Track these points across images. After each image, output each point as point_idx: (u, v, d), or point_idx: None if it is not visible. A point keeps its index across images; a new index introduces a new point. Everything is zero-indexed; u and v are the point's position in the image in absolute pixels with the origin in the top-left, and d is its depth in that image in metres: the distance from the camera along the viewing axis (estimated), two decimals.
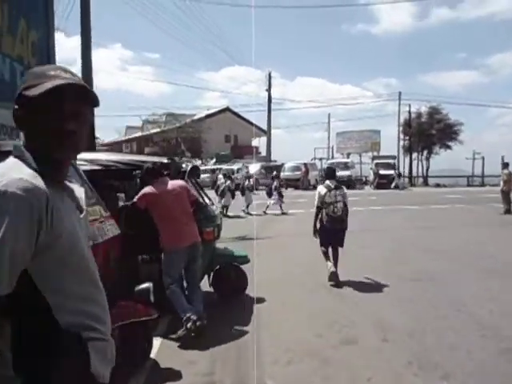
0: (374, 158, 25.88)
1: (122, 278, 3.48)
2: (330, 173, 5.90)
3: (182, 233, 3.98)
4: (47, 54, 11.54)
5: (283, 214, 14.37)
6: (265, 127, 41.24)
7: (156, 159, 4.81)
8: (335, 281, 5.47)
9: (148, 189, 3.96)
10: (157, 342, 3.75)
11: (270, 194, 14.91)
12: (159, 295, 3.67)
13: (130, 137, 51.26)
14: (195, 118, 43.61)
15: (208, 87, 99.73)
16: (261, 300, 5.09)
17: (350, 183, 23.55)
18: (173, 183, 4.10)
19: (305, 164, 25.04)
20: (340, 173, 23.91)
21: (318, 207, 5.47)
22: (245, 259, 5.07)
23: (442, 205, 16.90)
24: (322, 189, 5.53)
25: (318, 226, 5.55)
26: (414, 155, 27.23)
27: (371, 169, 23.87)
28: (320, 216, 5.48)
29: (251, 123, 47.22)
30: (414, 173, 27.35)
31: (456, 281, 5.94)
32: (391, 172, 22.61)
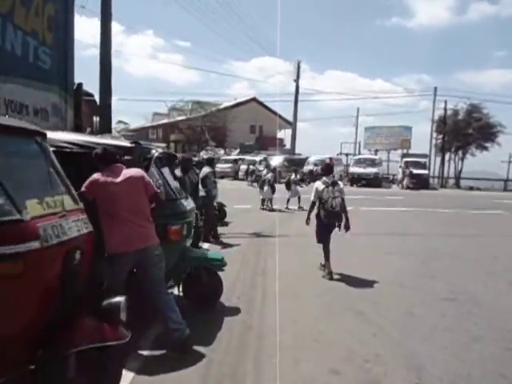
0: (403, 155, 24.38)
1: (87, 289, 2.75)
2: (327, 169, 5.93)
3: (130, 234, 3.23)
4: (65, 29, 11.06)
5: (299, 208, 13.44)
6: (291, 119, 40.47)
7: (118, 142, 4.04)
8: (330, 277, 5.63)
9: (96, 176, 3.24)
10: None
11: (288, 187, 14.10)
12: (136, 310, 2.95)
13: (156, 123, 51.35)
14: (221, 106, 43.11)
15: (237, 77, 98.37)
16: (265, 315, 4.33)
17: (377, 181, 22.32)
18: (127, 172, 3.33)
19: (330, 158, 23.89)
20: (367, 170, 22.84)
21: (313, 202, 5.69)
22: (220, 263, 4.36)
23: (480, 210, 15.50)
24: (319, 185, 5.62)
25: (316, 221, 5.74)
26: (447, 155, 25.73)
27: (400, 167, 22.51)
28: (318, 211, 5.66)
29: (277, 114, 46.33)
30: (445, 174, 25.79)
31: (503, 306, 4.99)
32: (422, 171, 21.25)
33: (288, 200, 13.93)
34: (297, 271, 6.21)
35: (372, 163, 22.60)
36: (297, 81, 27.80)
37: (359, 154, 30.21)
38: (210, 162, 8.28)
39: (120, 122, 61.75)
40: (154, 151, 3.99)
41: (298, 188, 14.48)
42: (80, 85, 12.18)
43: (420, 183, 21.13)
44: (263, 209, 13.72)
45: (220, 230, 9.47)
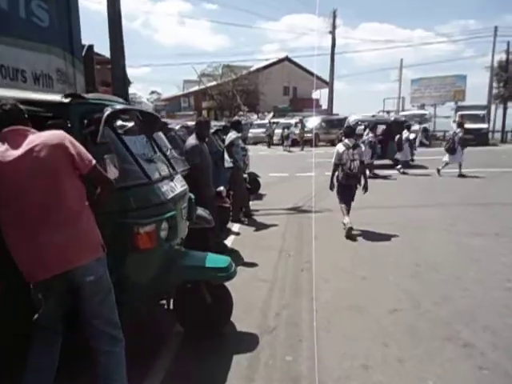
0: (458, 108, 21.40)
1: None
2: (348, 132, 5.93)
3: (40, 251, 1.85)
4: None
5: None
6: (326, 78, 37.42)
7: (41, 96, 2.50)
8: (350, 235, 5.62)
9: None
10: None
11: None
12: None
13: (187, 91, 49.94)
14: (252, 69, 40.78)
15: (267, 39, 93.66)
16: (320, 349, 2.89)
17: (427, 139, 19.83)
18: (33, 140, 1.86)
19: (373, 116, 21.58)
20: (416, 126, 20.32)
21: (335, 164, 5.66)
22: (226, 274, 2.87)
23: None
24: (340, 147, 5.65)
25: (336, 183, 5.75)
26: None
27: (454, 121, 19.76)
28: (337, 173, 5.69)
29: (312, 73, 43.28)
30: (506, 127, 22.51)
31: None
32: (481, 125, 18.46)
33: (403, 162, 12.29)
34: (353, 265, 4.69)
35: (421, 119, 20.01)
36: (333, 32, 24.94)
37: (403, 110, 27.35)
38: (237, 126, 6.74)
39: (153, 92, 61.19)
40: (108, 108, 2.39)
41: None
42: (91, 47, 10.83)
43: (478, 139, 18.47)
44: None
45: (253, 204, 8.06)
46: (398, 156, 12.50)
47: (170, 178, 2.98)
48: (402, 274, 4.23)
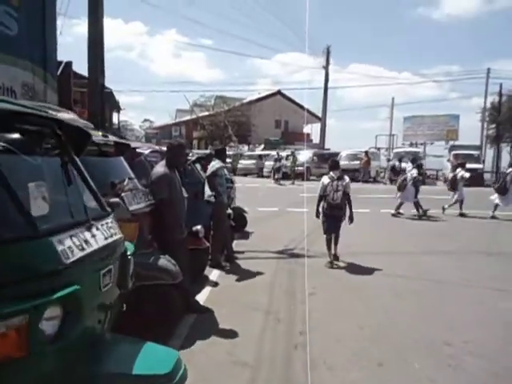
0: (452, 147, 20.92)
1: None
2: (333, 165, 6.02)
3: None
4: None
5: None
6: (317, 113, 37.40)
7: None
8: (332, 264, 5.70)
9: None
10: None
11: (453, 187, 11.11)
12: None
13: (179, 120, 49.60)
14: (245, 101, 40.69)
15: (260, 74, 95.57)
16: None
17: (422, 177, 19.13)
18: None
19: (366, 152, 20.96)
20: (409, 164, 19.69)
21: (320, 195, 5.79)
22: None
23: None
24: (325, 179, 5.77)
25: (321, 214, 5.83)
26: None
27: (448, 160, 19.25)
28: (322, 204, 5.80)
29: (303, 108, 43.32)
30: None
31: None
32: (476, 166, 17.90)
33: (458, 202, 10.74)
34: (363, 341, 3.56)
35: (413, 157, 19.44)
36: (326, 67, 24.81)
37: (395, 147, 26.91)
38: (221, 154, 5.75)
39: (146, 120, 60.93)
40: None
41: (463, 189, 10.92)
42: (69, 64, 9.93)
43: (474, 179, 17.85)
44: (396, 214, 10.54)
45: (238, 244, 6.94)
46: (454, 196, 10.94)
47: (88, 225, 1.86)
48: (432, 361, 3.11)
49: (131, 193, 3.32)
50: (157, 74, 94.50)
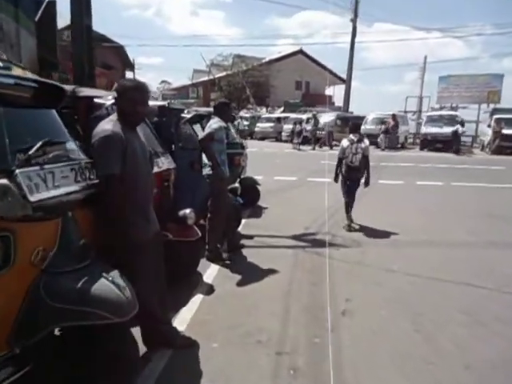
0: (494, 111, 18.47)
1: None
2: (354, 127, 5.86)
3: None
4: None
5: None
6: (340, 75, 34.48)
7: None
8: (350, 227, 5.54)
9: None
10: None
11: None
12: None
13: (196, 81, 47.42)
14: (264, 61, 38.09)
15: (280, 35, 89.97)
16: None
17: (457, 144, 17.02)
18: None
19: (393, 115, 18.73)
20: (444, 129, 17.53)
21: (339, 158, 5.62)
22: None
23: None
24: (345, 142, 5.59)
25: (340, 178, 5.66)
26: None
27: (489, 126, 16.99)
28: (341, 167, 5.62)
29: (326, 68, 40.40)
30: None
31: None
32: None
33: None
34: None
35: (451, 121, 17.18)
36: (354, 20, 22.01)
37: (421, 110, 24.25)
38: (221, 110, 4.13)
39: (163, 81, 59.01)
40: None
41: None
42: (52, 3, 8.23)
43: None
44: None
45: (247, 226, 5.54)
46: None
47: None
48: None
49: (41, 169, 1.86)
50: (174, 33, 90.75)
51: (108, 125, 2.21)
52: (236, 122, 22.69)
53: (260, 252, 4.57)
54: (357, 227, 5.62)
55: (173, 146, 4.55)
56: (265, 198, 7.09)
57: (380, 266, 4.16)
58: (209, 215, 4.15)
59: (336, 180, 5.71)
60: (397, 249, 4.78)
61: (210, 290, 3.52)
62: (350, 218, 5.63)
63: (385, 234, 5.37)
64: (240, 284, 3.64)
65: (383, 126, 18.17)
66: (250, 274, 3.88)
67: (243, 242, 4.84)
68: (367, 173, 5.57)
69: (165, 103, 4.54)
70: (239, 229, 5.29)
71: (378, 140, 18.14)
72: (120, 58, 28.42)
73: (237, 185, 5.11)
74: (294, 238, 5.13)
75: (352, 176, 5.52)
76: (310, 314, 3.10)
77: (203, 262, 4.12)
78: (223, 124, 4.07)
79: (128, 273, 2.14)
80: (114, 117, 2.29)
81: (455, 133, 16.52)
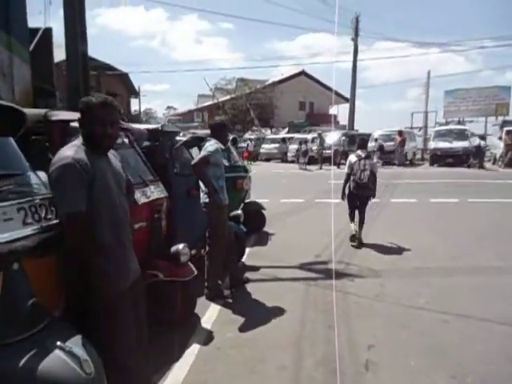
0: (504, 123, 17.94)
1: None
2: (361, 143, 5.79)
3: None
4: None
5: None
6: (343, 94, 34.38)
7: None
8: (355, 242, 5.49)
9: None
10: None
11: None
12: None
13: (201, 106, 47.91)
14: (267, 83, 38.32)
15: (283, 57, 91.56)
16: None
17: (467, 159, 16.47)
18: None
19: (400, 132, 18.31)
20: (454, 144, 17.03)
21: (347, 174, 5.54)
22: None
23: None
24: (352, 157, 5.57)
25: (347, 192, 5.58)
26: None
27: (500, 138, 16.44)
28: (348, 183, 5.55)
29: (329, 88, 40.45)
30: None
31: None
32: None
33: None
34: None
35: (460, 135, 16.68)
36: (355, 39, 21.99)
37: (427, 126, 23.71)
38: (218, 132, 3.71)
39: (169, 107, 60.08)
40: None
41: None
42: (48, 30, 8.09)
43: None
44: None
45: (252, 254, 5.06)
46: None
47: None
48: None
49: None
50: (178, 61, 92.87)
51: (69, 151, 1.78)
52: (246, 143, 22.62)
53: (266, 286, 4.06)
54: (364, 242, 5.50)
55: (168, 173, 4.16)
56: (271, 222, 6.62)
57: (404, 301, 3.63)
58: (207, 248, 3.68)
59: (343, 197, 5.66)
60: (420, 278, 4.24)
61: (208, 337, 3.02)
62: (354, 226, 5.60)
63: (404, 261, 4.85)
64: (243, 329, 3.13)
65: (377, 144, 17.75)
66: (255, 315, 3.37)
67: (248, 275, 4.35)
68: (374, 188, 5.51)
69: (158, 126, 4.16)
70: (243, 259, 4.81)
71: (391, 156, 17.78)
72: (125, 86, 28.70)
73: (239, 211, 4.66)
74: (304, 268, 4.62)
75: (360, 193, 5.43)
76: (326, 368, 2.57)
77: (202, 301, 3.63)
78: (220, 146, 3.65)
79: (101, 334, 1.68)
80: (77, 141, 1.87)
81: (478, 147, 15.97)
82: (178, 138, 4.40)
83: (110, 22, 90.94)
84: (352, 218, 5.68)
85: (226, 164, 6.20)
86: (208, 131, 4.16)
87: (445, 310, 3.42)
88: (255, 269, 4.57)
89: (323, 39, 68.30)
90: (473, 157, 16.02)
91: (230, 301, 3.67)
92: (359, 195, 5.45)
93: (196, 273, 3.11)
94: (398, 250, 5.26)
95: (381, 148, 17.35)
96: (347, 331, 3.05)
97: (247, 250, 5.30)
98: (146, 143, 4.25)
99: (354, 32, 22.22)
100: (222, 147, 3.67)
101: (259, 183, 11.16)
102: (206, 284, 3.69)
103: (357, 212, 5.61)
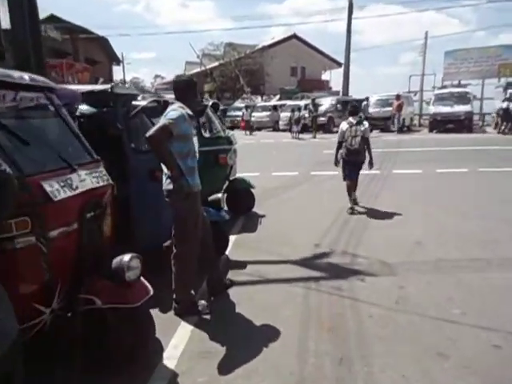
0: (508, 85, 16.75)
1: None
2: (353, 110, 5.72)
3: None
4: None
5: None
6: (336, 58, 32.66)
7: None
8: (353, 210, 5.40)
9: None
10: None
11: None
12: None
13: (188, 73, 45.74)
14: (257, 47, 36.30)
15: (273, 22, 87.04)
16: None
17: (470, 124, 15.45)
18: None
19: (397, 96, 17.08)
20: (455, 108, 15.94)
21: (339, 142, 5.52)
22: None
23: None
24: (344, 125, 5.50)
25: (340, 158, 5.52)
26: None
27: (504, 100, 15.36)
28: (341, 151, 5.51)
29: (322, 52, 38.61)
30: None
31: None
32: None
33: None
34: None
35: (462, 99, 15.54)
36: None
37: (439, 87, 21.97)
38: (185, 92, 2.63)
39: (157, 76, 57.68)
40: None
41: None
42: None
43: None
44: None
45: (238, 243, 4.16)
46: None
47: None
48: None
49: None
50: (163, 28, 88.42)
51: None
52: (243, 111, 21.24)
53: (255, 292, 3.17)
54: (361, 210, 5.43)
55: (123, 148, 3.15)
56: (261, 201, 5.70)
57: (433, 312, 2.76)
58: (173, 250, 2.74)
59: (336, 164, 5.59)
60: (447, 275, 3.37)
61: (171, 382, 2.13)
62: (353, 201, 5.48)
63: (422, 250, 3.97)
64: (222, 369, 2.24)
65: (391, 109, 16.57)
66: (240, 342, 2.49)
67: (232, 274, 3.46)
68: (369, 154, 5.41)
69: (107, 87, 3.09)
70: (227, 252, 3.90)
71: (388, 122, 16.71)
72: (105, 53, 26.78)
73: (219, 195, 3.69)
74: (302, 263, 3.72)
75: (352, 159, 5.35)
76: None
77: (169, 318, 2.74)
78: (187, 111, 2.62)
79: None
80: None
81: (506, 110, 14.60)
82: (135, 103, 3.34)
83: None
84: (350, 192, 5.50)
85: (207, 135, 5.20)
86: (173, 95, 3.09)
87: (489, 324, 2.57)
88: (241, 265, 3.67)
89: (314, 1, 64.83)
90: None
91: (207, 317, 2.78)
92: (352, 161, 5.38)
93: (151, 293, 2.17)
94: (412, 235, 4.38)
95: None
96: (365, 367, 2.18)
97: (233, 237, 4.41)
98: (92, 110, 3.21)
99: None
100: (190, 113, 2.63)
101: (249, 155, 10.14)
102: (173, 296, 2.78)
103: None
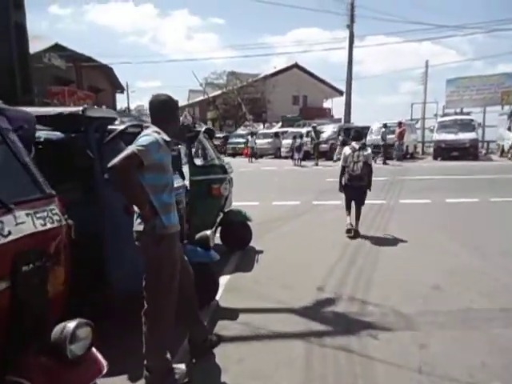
0: None
1: None
2: (356, 135, 5.71)
3: None
4: None
5: None
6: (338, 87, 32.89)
7: None
8: (352, 234, 5.39)
9: None
10: None
11: None
12: None
13: (192, 101, 46.35)
14: (259, 76, 36.75)
15: (274, 52, 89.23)
16: None
17: (475, 151, 15.08)
18: None
19: (400, 123, 16.83)
20: (460, 136, 15.61)
21: (342, 166, 5.52)
22: None
23: None
24: (347, 150, 5.53)
25: (343, 184, 5.55)
26: None
27: (509, 129, 15.02)
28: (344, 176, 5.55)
29: (323, 81, 39.01)
30: None
31: None
32: None
33: None
34: None
35: (466, 126, 15.23)
36: (351, 26, 20.44)
37: (441, 115, 21.74)
38: (164, 114, 2.25)
39: None
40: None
41: None
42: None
43: None
44: None
45: (231, 286, 3.64)
46: None
47: None
48: None
49: None
50: (169, 58, 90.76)
51: None
52: (247, 138, 21.00)
53: (246, 353, 2.62)
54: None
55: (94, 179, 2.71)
56: (260, 234, 5.21)
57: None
58: (145, 306, 2.23)
59: (341, 189, 5.62)
60: (475, 331, 2.82)
61: None
62: (351, 218, 5.47)
63: (441, 296, 3.43)
64: None
65: (394, 136, 16.21)
66: None
67: (220, 326, 2.92)
68: (369, 179, 5.44)
69: (78, 109, 2.68)
70: (217, 297, 3.37)
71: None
72: (109, 81, 27.05)
73: (208, 232, 3.20)
74: (302, 313, 3.17)
75: (354, 184, 5.38)
76: None
77: None
78: (163, 137, 2.18)
79: None
80: None
81: (474, 140, 14.53)
82: (112, 127, 2.92)
83: (98, 17, 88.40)
84: (348, 209, 5.60)
85: (199, 163, 4.77)
86: None
87: None
88: (232, 315, 3.13)
89: (315, 33, 66.49)
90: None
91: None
92: (354, 186, 5.41)
93: (104, 371, 1.65)
94: (427, 276, 3.85)
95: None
96: None
97: (226, 278, 3.90)
98: (59, 135, 2.78)
99: (350, 18, 20.66)
100: (166, 139, 2.19)
101: (249, 183, 9.71)
102: (145, 362, 2.24)
103: (353, 204, 5.51)
